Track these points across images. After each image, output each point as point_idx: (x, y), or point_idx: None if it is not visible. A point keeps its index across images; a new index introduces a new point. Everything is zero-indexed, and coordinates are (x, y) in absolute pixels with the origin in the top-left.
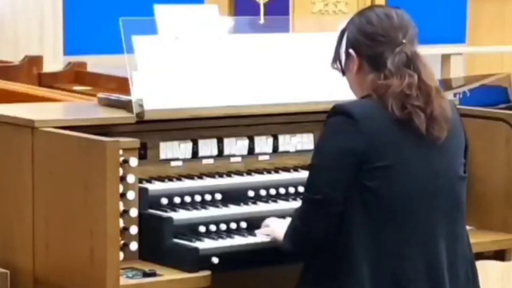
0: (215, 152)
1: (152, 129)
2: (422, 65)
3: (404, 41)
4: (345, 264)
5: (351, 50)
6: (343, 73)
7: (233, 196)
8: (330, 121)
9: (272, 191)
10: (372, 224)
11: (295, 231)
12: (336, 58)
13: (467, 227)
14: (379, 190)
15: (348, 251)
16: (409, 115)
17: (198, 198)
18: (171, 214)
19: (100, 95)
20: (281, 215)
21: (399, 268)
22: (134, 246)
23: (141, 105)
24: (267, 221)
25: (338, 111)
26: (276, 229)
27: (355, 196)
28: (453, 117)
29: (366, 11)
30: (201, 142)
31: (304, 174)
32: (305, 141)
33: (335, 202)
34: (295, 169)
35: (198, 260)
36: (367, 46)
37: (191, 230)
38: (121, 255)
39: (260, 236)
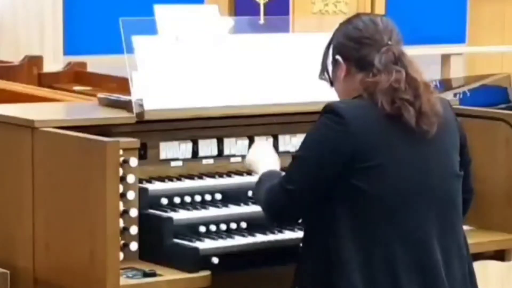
0: (215, 152)
1: (152, 129)
2: (408, 62)
3: (389, 42)
4: (336, 266)
5: (338, 57)
6: (331, 83)
7: (233, 196)
8: (321, 118)
9: None
10: (362, 224)
11: (266, 200)
12: (324, 69)
13: (467, 227)
14: (368, 189)
15: (339, 253)
16: (399, 110)
17: (198, 198)
18: (171, 214)
19: (100, 95)
20: None
21: (392, 267)
22: (134, 246)
23: (141, 105)
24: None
25: (330, 109)
26: (260, 164)
27: (343, 197)
28: (447, 115)
29: (352, 19)
30: (201, 142)
31: None
32: None
33: (304, 196)
34: None
35: (198, 260)
36: (354, 50)
37: (191, 230)
38: (121, 255)
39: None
